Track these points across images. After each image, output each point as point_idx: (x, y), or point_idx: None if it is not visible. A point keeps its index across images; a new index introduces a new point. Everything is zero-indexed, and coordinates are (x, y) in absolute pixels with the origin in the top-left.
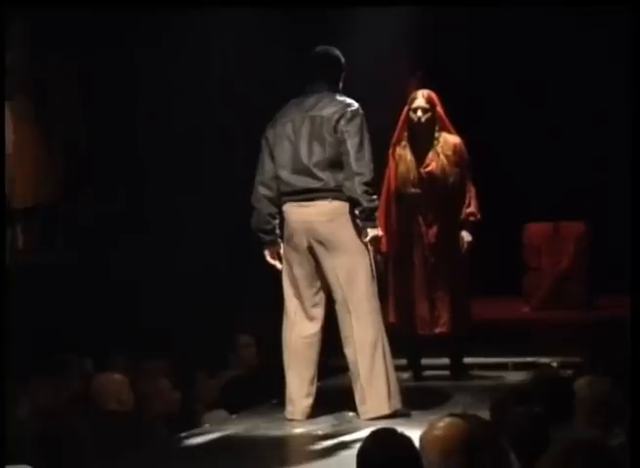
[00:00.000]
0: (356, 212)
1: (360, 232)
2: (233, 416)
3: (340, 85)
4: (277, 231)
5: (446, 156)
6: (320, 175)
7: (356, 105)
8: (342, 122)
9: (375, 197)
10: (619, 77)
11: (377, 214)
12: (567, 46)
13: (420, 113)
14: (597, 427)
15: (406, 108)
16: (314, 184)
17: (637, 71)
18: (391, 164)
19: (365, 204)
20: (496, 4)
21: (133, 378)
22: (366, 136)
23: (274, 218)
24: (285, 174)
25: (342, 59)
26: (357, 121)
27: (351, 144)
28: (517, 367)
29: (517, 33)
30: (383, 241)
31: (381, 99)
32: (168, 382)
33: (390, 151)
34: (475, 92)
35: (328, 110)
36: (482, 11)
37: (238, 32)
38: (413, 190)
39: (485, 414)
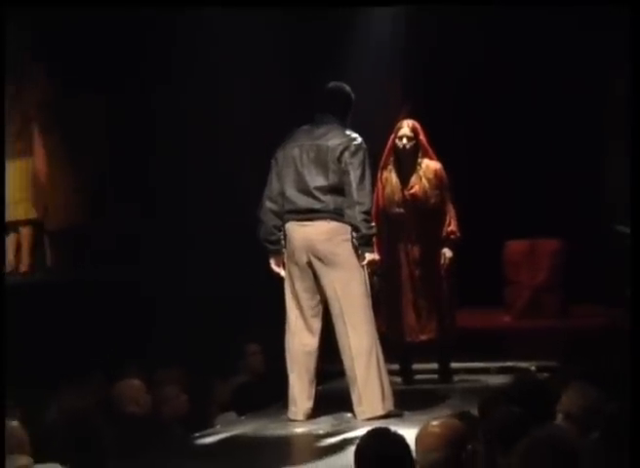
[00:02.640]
0: (355, 237)
1: (356, 249)
2: (242, 418)
3: (348, 119)
4: (282, 242)
5: (428, 180)
6: (321, 197)
7: (360, 139)
8: (347, 154)
9: (372, 224)
10: (600, 99)
11: (374, 239)
12: (554, 69)
13: (404, 141)
14: (575, 425)
15: (392, 136)
16: (315, 205)
17: (636, 80)
18: (379, 186)
19: (364, 230)
20: (489, 2)
21: (151, 384)
22: (367, 168)
23: (279, 230)
24: (290, 192)
25: (352, 96)
26: (360, 154)
27: (354, 176)
28: (499, 370)
29: (499, 58)
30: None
31: (372, 126)
32: (182, 387)
33: (378, 174)
34: (460, 119)
35: (334, 141)
36: (472, 24)
37: (251, 58)
38: (398, 210)
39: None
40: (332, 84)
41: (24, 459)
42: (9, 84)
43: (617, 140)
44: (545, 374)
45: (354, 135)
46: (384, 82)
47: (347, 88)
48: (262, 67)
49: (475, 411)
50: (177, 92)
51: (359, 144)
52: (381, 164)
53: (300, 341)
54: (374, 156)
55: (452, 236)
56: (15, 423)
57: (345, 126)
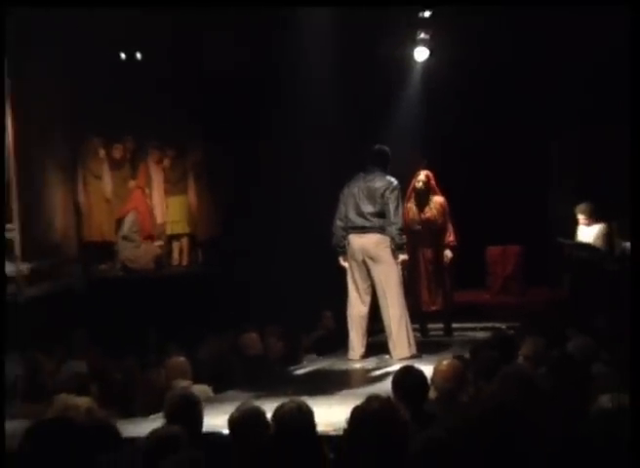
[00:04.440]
0: (392, 244)
1: (393, 252)
2: (320, 358)
3: (388, 168)
4: (346, 247)
5: (436, 209)
6: (371, 219)
7: (396, 182)
8: (387, 192)
9: (404, 236)
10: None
11: (404, 246)
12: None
13: (421, 184)
14: (531, 363)
15: (413, 180)
16: (367, 224)
17: (636, 80)
18: (406, 212)
19: (398, 241)
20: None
21: (263, 336)
22: (400, 201)
23: (344, 239)
24: (351, 215)
25: (390, 154)
26: (396, 192)
27: (392, 206)
28: (482, 329)
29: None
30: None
31: (402, 174)
32: (283, 338)
33: (405, 205)
34: (458, 170)
35: (379, 184)
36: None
37: (328, 130)
38: (417, 228)
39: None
40: (377, 146)
41: (187, 382)
42: (173, 148)
43: (558, 183)
44: (512, 331)
45: (392, 179)
46: (410, 146)
47: (387, 149)
48: (334, 135)
49: (467, 355)
50: (287, 154)
51: (395, 186)
52: (407, 198)
53: (357, 310)
54: (403, 192)
55: (451, 243)
56: (181, 358)
57: (386, 173)
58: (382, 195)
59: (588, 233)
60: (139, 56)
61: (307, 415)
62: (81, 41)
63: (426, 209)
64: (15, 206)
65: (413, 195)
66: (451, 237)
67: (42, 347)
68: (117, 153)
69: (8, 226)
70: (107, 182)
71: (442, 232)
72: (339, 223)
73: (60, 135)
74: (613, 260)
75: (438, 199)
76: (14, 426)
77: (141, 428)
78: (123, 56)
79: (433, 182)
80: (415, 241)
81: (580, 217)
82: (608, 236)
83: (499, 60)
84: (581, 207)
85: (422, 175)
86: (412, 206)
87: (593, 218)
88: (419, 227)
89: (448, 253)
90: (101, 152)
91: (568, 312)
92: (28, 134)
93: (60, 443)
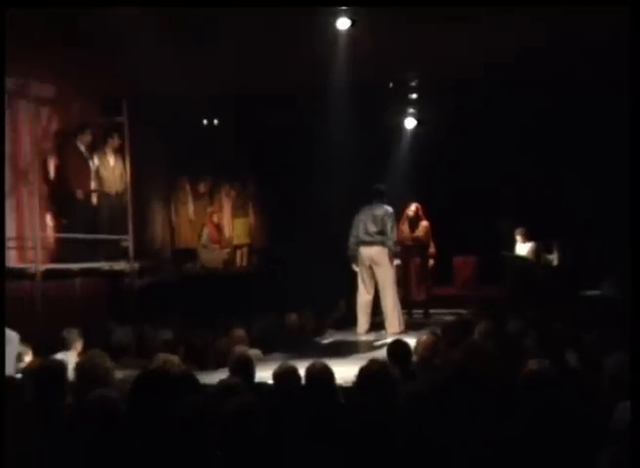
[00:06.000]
0: (390, 253)
1: (390, 259)
2: (337, 332)
3: (386, 200)
4: (357, 256)
5: (423, 230)
6: (375, 236)
7: (392, 210)
8: (386, 217)
9: (398, 247)
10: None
11: (398, 254)
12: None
13: (411, 213)
14: (484, 338)
15: (406, 210)
16: (372, 239)
17: (636, 80)
18: (400, 232)
19: (393, 250)
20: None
21: (299, 317)
22: (395, 223)
23: (356, 251)
24: (361, 234)
25: (386, 191)
26: (392, 218)
27: (389, 227)
28: (450, 314)
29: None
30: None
31: (397, 204)
32: (313, 318)
33: (400, 227)
34: (436, 203)
35: (380, 211)
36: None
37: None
38: (409, 243)
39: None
40: (377, 185)
41: (244, 347)
42: (238, 185)
43: (503, 214)
44: (470, 316)
45: (389, 208)
46: (403, 184)
47: (384, 187)
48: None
49: (440, 332)
50: (316, 189)
51: (391, 213)
52: (401, 222)
53: (364, 299)
54: (397, 216)
55: (432, 254)
56: (241, 330)
57: (384, 203)
58: (382, 219)
59: (523, 249)
60: (215, 122)
61: (328, 372)
62: (177, 112)
63: (416, 230)
64: (130, 223)
65: (406, 220)
66: (432, 250)
67: (147, 321)
68: (201, 188)
69: (124, 237)
70: (191, 208)
71: (426, 247)
72: (352, 240)
73: (160, 176)
74: (539, 268)
75: (424, 223)
76: (128, 374)
77: (212, 378)
78: (205, 121)
79: (421, 211)
80: (407, 252)
81: (518, 238)
82: (536, 251)
83: (466, 129)
84: (519, 230)
85: (413, 206)
86: (405, 228)
87: (527, 238)
88: (410, 243)
89: (430, 261)
90: (187, 187)
91: (508, 303)
92: (140, 175)
93: (159, 386)
